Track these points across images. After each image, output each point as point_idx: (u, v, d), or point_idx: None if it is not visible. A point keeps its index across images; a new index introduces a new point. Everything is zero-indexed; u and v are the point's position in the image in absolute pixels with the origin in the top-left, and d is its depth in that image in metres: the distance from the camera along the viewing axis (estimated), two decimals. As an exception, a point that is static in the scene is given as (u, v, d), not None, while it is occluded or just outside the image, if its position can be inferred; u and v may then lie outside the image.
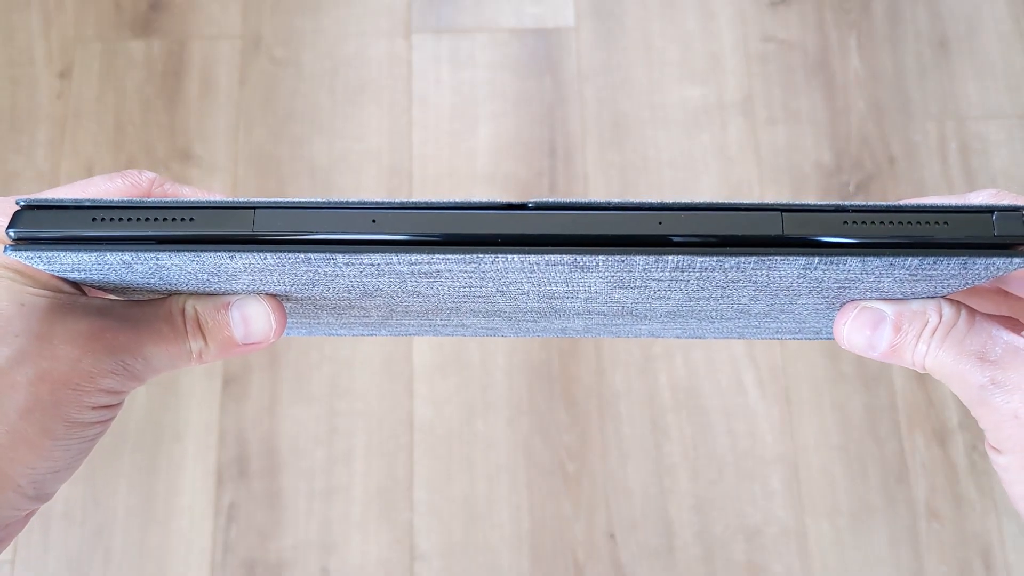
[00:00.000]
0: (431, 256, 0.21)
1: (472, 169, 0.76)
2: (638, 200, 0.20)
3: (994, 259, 0.21)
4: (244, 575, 0.67)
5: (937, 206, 0.21)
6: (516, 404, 0.70)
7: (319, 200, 0.21)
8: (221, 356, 0.25)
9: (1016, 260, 0.21)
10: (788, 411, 0.70)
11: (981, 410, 0.23)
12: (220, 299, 0.25)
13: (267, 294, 0.25)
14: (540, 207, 0.21)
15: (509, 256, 0.21)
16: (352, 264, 0.21)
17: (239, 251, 0.21)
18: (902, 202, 0.21)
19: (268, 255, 0.21)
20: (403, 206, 0.21)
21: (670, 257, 0.20)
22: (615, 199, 0.21)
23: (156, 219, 0.21)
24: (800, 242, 0.21)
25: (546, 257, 0.21)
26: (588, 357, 0.71)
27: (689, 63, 0.79)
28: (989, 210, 0.21)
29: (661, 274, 0.22)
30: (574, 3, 0.81)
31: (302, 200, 0.21)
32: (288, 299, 0.26)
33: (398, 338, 0.71)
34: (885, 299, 0.24)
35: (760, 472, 0.68)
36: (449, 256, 0.21)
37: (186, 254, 0.21)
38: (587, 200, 0.21)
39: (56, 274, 0.23)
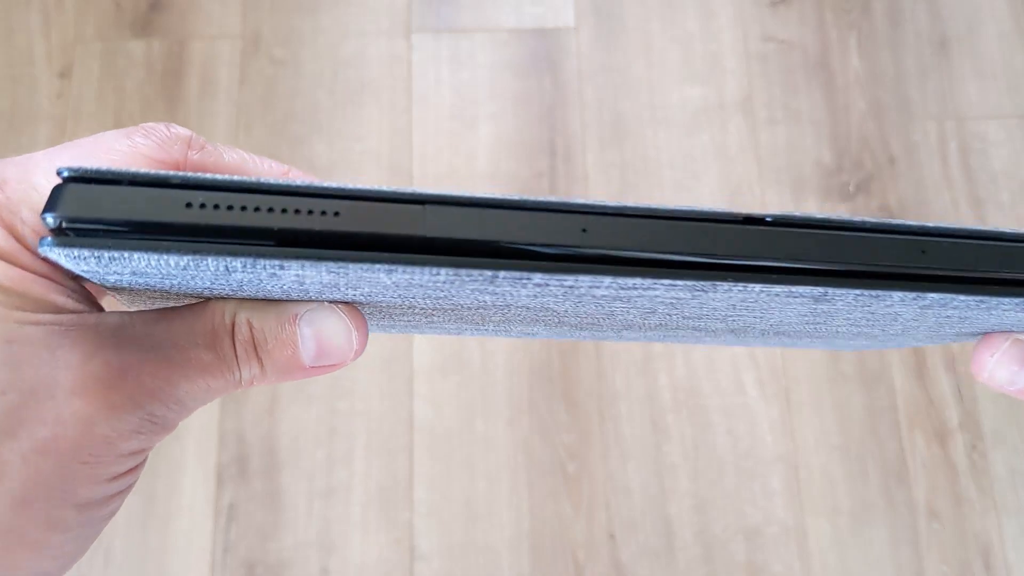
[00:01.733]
0: (654, 281, 0.16)
1: (472, 169, 0.76)
2: (896, 221, 0.17)
3: None
4: (244, 575, 0.67)
5: None
6: (516, 404, 0.70)
7: (509, 197, 0.16)
8: (277, 382, 0.19)
9: None
10: (788, 411, 0.70)
11: None
12: (284, 308, 0.18)
13: (344, 302, 0.18)
14: (780, 222, 0.17)
15: (749, 286, 0.16)
16: (545, 285, 0.16)
17: (403, 264, 0.15)
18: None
19: (442, 271, 0.15)
20: (620, 211, 0.16)
21: (930, 295, 0.17)
22: (870, 218, 0.17)
23: (285, 210, 0.15)
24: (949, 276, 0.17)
25: (792, 288, 0.17)
26: (588, 357, 0.71)
27: (689, 63, 0.79)
28: None
29: (903, 308, 0.18)
30: (574, 3, 0.81)
31: (483, 195, 0.16)
32: (363, 306, 0.20)
33: (398, 338, 0.71)
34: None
35: (760, 472, 0.68)
36: (678, 283, 0.16)
37: (328, 264, 0.15)
38: (835, 217, 0.17)
39: (96, 280, 0.17)
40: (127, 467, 0.18)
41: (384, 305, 0.20)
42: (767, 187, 0.75)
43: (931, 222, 0.17)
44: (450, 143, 0.77)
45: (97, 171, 0.15)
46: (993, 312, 0.18)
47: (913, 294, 0.17)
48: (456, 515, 0.68)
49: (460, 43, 0.80)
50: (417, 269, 0.15)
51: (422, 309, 0.20)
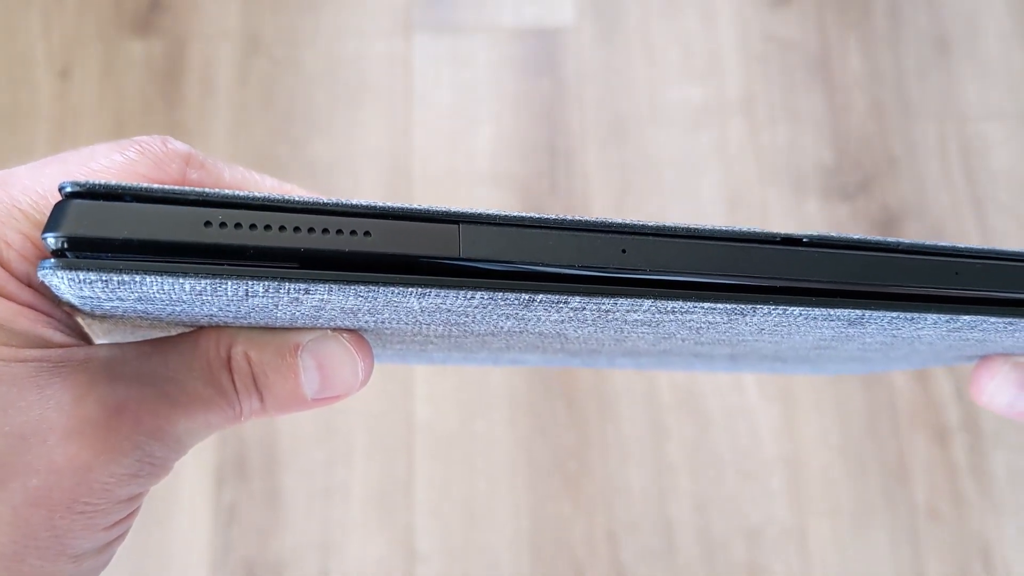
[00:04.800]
0: (695, 304, 0.16)
1: (472, 169, 0.76)
2: (930, 243, 0.17)
3: None
4: (244, 575, 0.67)
5: None
6: (516, 404, 0.70)
7: (546, 216, 0.15)
8: (279, 415, 0.18)
9: None
10: (788, 411, 0.70)
11: None
12: (285, 339, 0.17)
13: (347, 329, 0.17)
14: (817, 243, 0.16)
15: (790, 309, 0.16)
16: (582, 309, 0.16)
17: (438, 287, 0.14)
18: None
19: (478, 295, 0.15)
20: (659, 231, 0.16)
21: (963, 317, 0.17)
22: (905, 239, 0.17)
23: (312, 229, 0.14)
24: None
25: (831, 311, 0.16)
26: (588, 357, 0.71)
27: (689, 63, 0.79)
28: None
29: (931, 331, 0.18)
30: (574, 3, 0.81)
31: (518, 214, 0.15)
32: (367, 332, 0.19)
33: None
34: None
35: (760, 472, 0.68)
36: (718, 306, 0.16)
37: (358, 288, 0.14)
38: (871, 239, 0.16)
39: (91, 308, 0.15)
40: (124, 513, 0.17)
41: (390, 332, 0.19)
42: (767, 187, 0.75)
43: (963, 243, 0.17)
44: (450, 143, 0.77)
45: (104, 186, 0.13)
46: (1018, 335, 0.18)
47: (947, 316, 0.17)
48: (456, 515, 0.68)
49: (460, 43, 0.80)
50: (452, 292, 0.14)
51: (425, 336, 0.20)
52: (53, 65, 0.80)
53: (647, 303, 0.16)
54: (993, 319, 0.17)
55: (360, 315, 0.16)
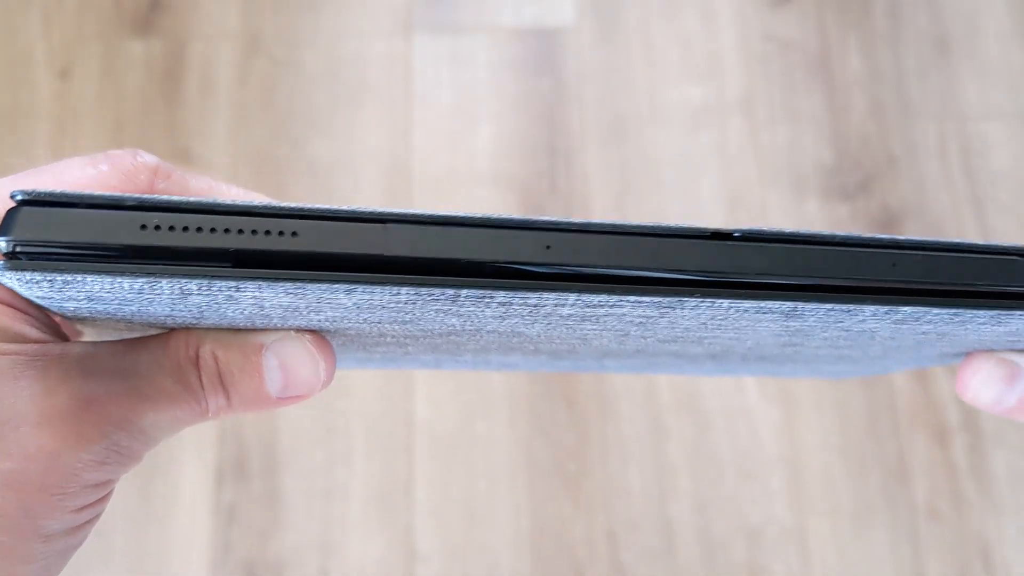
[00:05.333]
0: (619, 298, 0.16)
1: (472, 169, 0.76)
2: (868, 235, 0.17)
3: None
4: (244, 575, 0.67)
5: None
6: (516, 404, 0.70)
7: (473, 215, 0.16)
8: (247, 412, 0.19)
9: None
10: (788, 411, 0.70)
11: None
12: (249, 339, 0.18)
13: (309, 330, 0.18)
14: (749, 237, 0.17)
15: (717, 301, 0.16)
16: (509, 304, 0.16)
17: (363, 283, 0.15)
18: None
19: (403, 290, 0.15)
20: (585, 228, 0.16)
21: (903, 309, 0.17)
22: (839, 232, 0.17)
23: (242, 230, 0.15)
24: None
25: (761, 303, 0.16)
26: (588, 357, 0.71)
27: (689, 63, 0.79)
28: None
29: (876, 324, 0.18)
30: (574, 3, 0.81)
31: (446, 212, 0.16)
32: (331, 334, 0.19)
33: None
34: (1018, 351, 0.21)
35: (760, 472, 0.68)
36: (644, 299, 0.16)
37: (285, 285, 0.15)
38: (805, 231, 0.17)
39: (51, 308, 0.17)
40: (93, 498, 0.18)
41: (355, 333, 0.19)
42: (767, 187, 0.75)
43: (904, 235, 0.17)
44: (450, 143, 0.77)
45: (51, 193, 0.15)
46: (969, 327, 0.18)
47: (885, 308, 0.17)
48: (456, 515, 0.68)
49: (460, 43, 0.80)
50: (377, 288, 0.15)
51: (394, 337, 0.20)
52: (53, 65, 0.80)
53: (572, 297, 0.16)
54: (937, 311, 0.17)
55: (307, 314, 0.17)
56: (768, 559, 0.66)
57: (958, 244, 0.17)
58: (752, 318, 0.17)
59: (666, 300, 0.16)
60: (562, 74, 0.79)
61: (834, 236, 0.17)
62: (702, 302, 0.16)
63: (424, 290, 0.15)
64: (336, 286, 0.15)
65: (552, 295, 0.16)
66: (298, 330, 0.18)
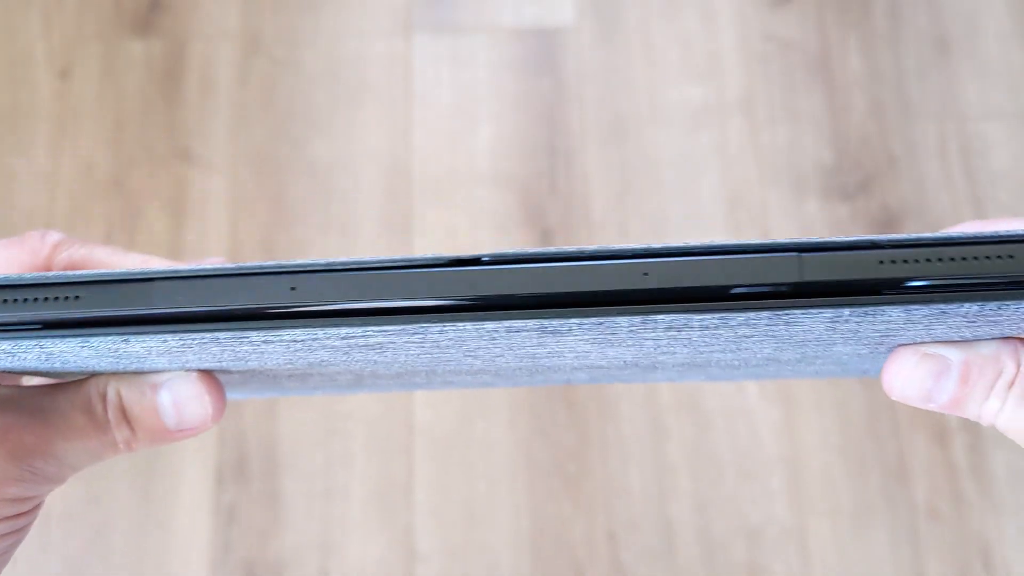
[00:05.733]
0: (364, 329, 0.18)
1: (472, 169, 0.76)
2: (619, 247, 0.17)
3: None
4: (244, 575, 0.67)
5: (999, 235, 0.17)
6: (516, 405, 0.70)
7: (229, 266, 0.18)
8: (154, 445, 0.22)
9: None
10: (788, 411, 0.70)
11: None
12: (147, 379, 0.21)
13: (201, 370, 0.21)
14: (497, 260, 0.17)
15: (461, 325, 0.17)
16: (272, 341, 0.18)
17: (135, 333, 0.18)
18: (953, 231, 0.18)
19: (169, 336, 0.18)
20: (329, 267, 0.18)
21: (660, 317, 0.17)
22: (591, 246, 0.17)
23: (37, 299, 0.18)
24: (825, 289, 0.17)
25: (505, 323, 0.17)
26: (588, 357, 0.71)
27: (689, 63, 0.79)
28: None
29: (655, 334, 0.18)
30: (574, 3, 0.81)
31: (209, 267, 0.18)
32: (230, 373, 0.22)
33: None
34: (945, 342, 0.20)
35: (760, 472, 0.68)
36: (387, 328, 0.17)
37: (73, 340, 0.18)
38: (555, 250, 0.17)
39: None
40: (11, 512, 0.20)
41: (261, 372, 0.22)
42: (767, 187, 0.75)
43: (658, 243, 0.17)
44: (450, 143, 0.77)
45: None
46: (738, 331, 0.18)
47: (639, 318, 0.17)
48: (456, 516, 0.68)
49: (460, 43, 0.80)
50: (148, 337, 0.18)
51: (306, 373, 0.22)
52: (53, 65, 0.80)
53: (320, 332, 0.18)
54: (699, 316, 0.17)
55: (179, 357, 0.20)
56: (768, 559, 0.66)
57: (721, 246, 0.17)
58: (524, 338, 0.18)
59: (411, 328, 0.17)
60: (562, 74, 0.79)
61: (582, 251, 0.17)
62: (446, 327, 0.17)
63: (187, 336, 0.18)
64: (111, 338, 0.18)
65: (300, 331, 0.18)
66: (189, 370, 0.21)
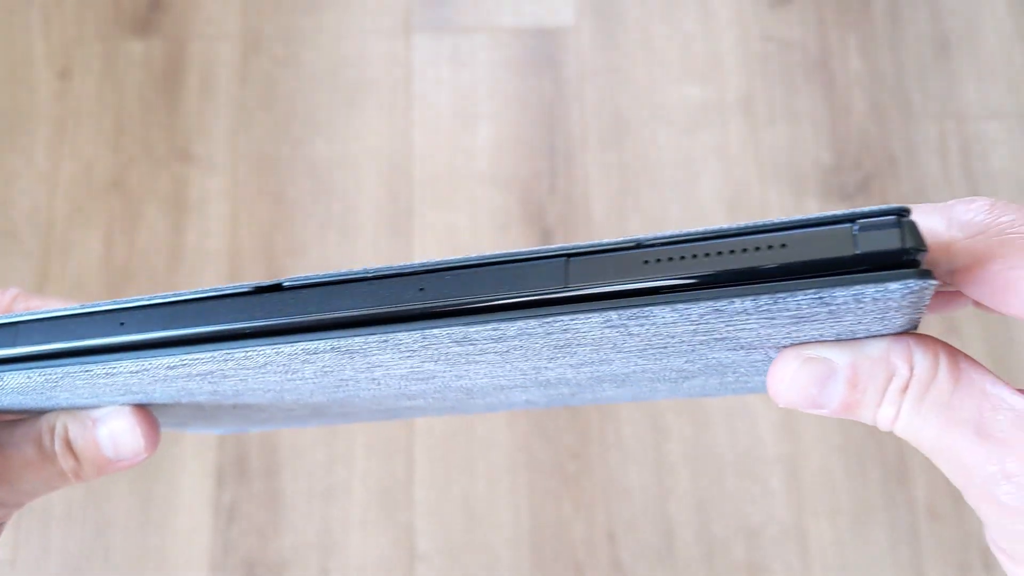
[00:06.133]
0: (180, 358, 0.19)
1: (472, 169, 0.76)
2: (399, 265, 0.18)
3: (864, 287, 0.15)
4: (244, 575, 0.67)
5: (775, 223, 0.16)
6: (516, 404, 0.70)
7: (77, 307, 0.20)
8: (101, 474, 0.24)
9: (895, 285, 0.15)
10: (788, 411, 0.70)
11: (985, 505, 0.17)
12: (89, 413, 0.23)
13: (135, 405, 0.23)
14: (297, 286, 0.18)
15: (260, 348, 0.18)
16: (112, 374, 0.20)
17: (8, 370, 0.20)
18: (737, 224, 0.16)
19: (33, 372, 0.20)
20: (151, 303, 0.19)
21: (437, 330, 0.17)
22: (374, 266, 0.18)
23: None
24: (592, 294, 0.17)
25: (300, 346, 0.18)
26: (588, 357, 0.71)
27: (689, 63, 0.79)
28: (850, 218, 0.16)
29: (451, 348, 0.18)
30: (574, 3, 0.81)
31: (66, 308, 0.20)
32: (177, 406, 0.24)
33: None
34: (831, 341, 0.18)
35: (760, 472, 0.68)
36: (200, 355, 0.19)
37: None
38: (343, 272, 0.18)
39: None
40: None
41: (185, 406, 0.24)
42: (767, 187, 0.75)
43: (436, 259, 0.17)
44: (450, 143, 0.77)
45: None
46: (529, 341, 0.18)
47: (418, 333, 0.17)
48: (456, 515, 0.68)
49: (460, 43, 0.80)
50: (15, 373, 0.20)
51: (245, 405, 0.24)
52: (53, 65, 0.80)
53: (149, 362, 0.19)
54: (475, 328, 0.17)
55: (115, 394, 0.21)
56: (768, 559, 0.66)
57: (494, 257, 0.17)
58: (339, 360, 0.19)
59: (220, 355, 0.19)
60: (562, 74, 0.79)
61: (365, 271, 0.18)
62: (249, 352, 0.18)
63: (35, 372, 0.20)
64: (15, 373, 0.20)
65: (129, 362, 0.19)
66: (124, 405, 0.23)
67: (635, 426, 0.69)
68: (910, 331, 0.18)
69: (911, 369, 0.17)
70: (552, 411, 0.70)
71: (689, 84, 0.79)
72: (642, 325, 0.17)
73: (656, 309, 0.16)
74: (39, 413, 0.24)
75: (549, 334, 0.17)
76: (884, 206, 0.15)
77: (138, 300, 0.19)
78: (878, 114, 0.78)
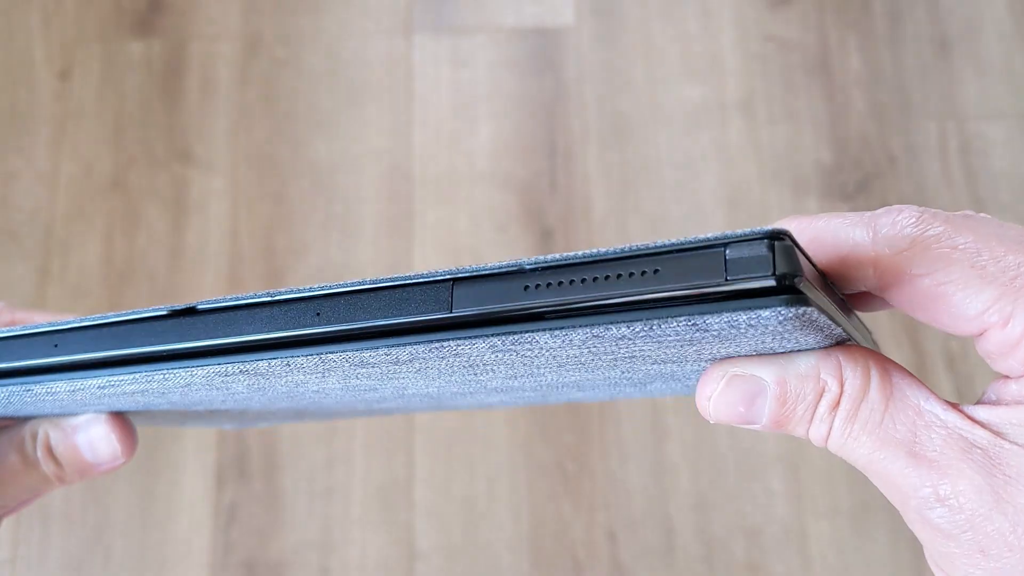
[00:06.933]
0: (108, 379, 0.20)
1: (472, 169, 0.76)
2: (297, 288, 0.18)
3: (734, 315, 0.15)
4: (244, 575, 0.67)
5: (651, 248, 0.15)
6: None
7: (18, 328, 0.21)
8: (84, 478, 0.25)
9: (767, 313, 0.15)
10: (788, 411, 0.70)
11: (919, 527, 0.17)
12: (69, 421, 0.24)
13: (111, 413, 0.24)
14: (210, 309, 0.19)
15: (175, 371, 0.19)
16: (52, 393, 0.21)
17: None
18: (616, 248, 0.16)
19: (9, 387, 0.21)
20: (80, 326, 0.20)
21: (333, 355, 0.18)
22: (279, 289, 0.18)
23: None
24: (475, 320, 0.16)
25: (211, 369, 0.19)
26: (588, 357, 0.71)
27: (689, 63, 0.79)
28: (723, 243, 0.15)
29: (356, 370, 0.19)
30: (574, 2, 0.81)
31: (7, 330, 0.21)
32: (137, 414, 0.25)
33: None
34: (758, 355, 0.17)
35: (760, 472, 0.68)
36: (123, 377, 0.20)
37: None
38: (249, 296, 0.18)
39: None
40: None
41: (167, 411, 0.24)
42: (767, 187, 0.75)
43: (333, 283, 0.18)
44: (450, 143, 0.77)
45: None
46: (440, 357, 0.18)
47: (316, 357, 0.18)
48: (456, 515, 0.68)
49: (460, 43, 0.80)
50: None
51: (219, 410, 0.25)
52: (53, 65, 0.80)
53: (81, 383, 0.20)
54: (369, 353, 0.17)
55: (97, 402, 0.22)
56: (768, 559, 0.66)
57: (388, 281, 0.17)
58: (243, 380, 0.19)
59: (144, 377, 0.19)
60: (562, 74, 0.79)
61: (271, 295, 0.18)
62: (168, 374, 0.19)
63: (26, 385, 0.21)
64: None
65: (64, 384, 0.20)
66: (101, 412, 0.24)
67: (635, 426, 0.69)
68: (842, 342, 0.17)
69: (841, 385, 0.17)
70: (552, 411, 0.70)
71: (689, 84, 0.79)
72: (531, 350, 0.17)
73: (538, 335, 0.16)
74: (24, 420, 0.25)
75: (442, 358, 0.17)
76: (760, 228, 0.15)
77: (71, 322, 0.20)
78: (878, 114, 0.78)
